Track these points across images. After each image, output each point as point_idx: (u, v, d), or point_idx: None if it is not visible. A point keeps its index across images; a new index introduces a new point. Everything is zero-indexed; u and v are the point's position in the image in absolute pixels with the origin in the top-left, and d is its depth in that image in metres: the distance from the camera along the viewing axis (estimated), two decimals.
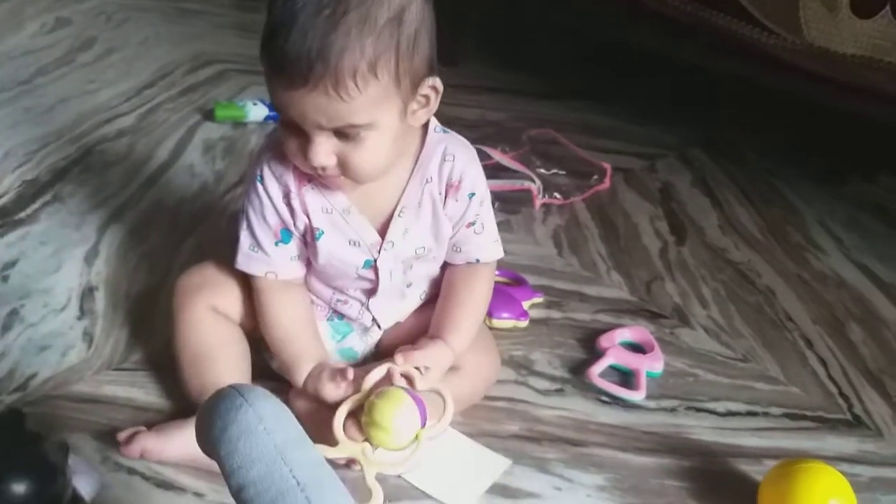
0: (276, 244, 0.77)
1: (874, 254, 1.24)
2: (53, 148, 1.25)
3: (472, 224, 0.80)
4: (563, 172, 1.36)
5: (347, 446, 0.68)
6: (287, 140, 0.70)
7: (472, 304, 0.83)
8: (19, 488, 0.53)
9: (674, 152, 1.55)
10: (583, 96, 1.73)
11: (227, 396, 0.41)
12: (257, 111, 1.41)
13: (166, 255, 1.04)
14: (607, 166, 1.39)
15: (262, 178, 0.75)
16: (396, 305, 0.84)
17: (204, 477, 0.72)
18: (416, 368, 0.74)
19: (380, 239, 0.77)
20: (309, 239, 0.77)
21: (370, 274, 0.79)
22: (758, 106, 1.75)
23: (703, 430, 0.85)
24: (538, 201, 1.28)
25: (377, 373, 0.73)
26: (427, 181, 0.77)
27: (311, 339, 0.78)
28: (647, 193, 1.38)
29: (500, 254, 0.84)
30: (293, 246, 0.78)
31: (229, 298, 0.81)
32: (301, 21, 0.62)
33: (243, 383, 0.43)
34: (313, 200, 0.75)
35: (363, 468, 0.67)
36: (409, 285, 0.83)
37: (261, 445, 0.39)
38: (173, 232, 1.09)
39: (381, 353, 0.85)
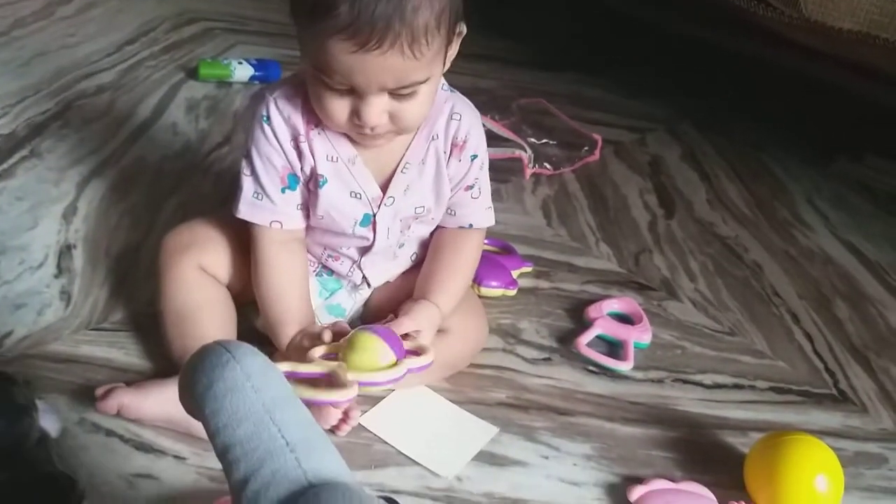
0: (283, 190, 0.74)
1: (860, 232, 1.25)
2: (31, 102, 1.21)
3: (471, 188, 0.80)
4: (554, 143, 1.34)
5: (321, 364, 0.66)
6: (329, 103, 0.67)
7: (459, 267, 0.82)
8: None
9: (663, 126, 1.55)
10: (574, 68, 1.72)
11: (212, 352, 0.40)
12: (243, 70, 1.38)
13: (148, 214, 1.01)
14: (598, 138, 1.37)
15: (268, 117, 0.72)
16: (388, 265, 0.82)
17: (184, 440, 0.70)
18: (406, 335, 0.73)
19: (381, 193, 0.76)
20: (312, 186, 0.75)
21: (368, 232, 0.78)
22: (748, 82, 1.75)
23: (689, 401, 0.85)
24: (528, 171, 1.26)
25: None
26: (433, 138, 0.76)
27: (302, 301, 0.76)
28: (636, 166, 1.38)
29: (492, 221, 0.84)
30: (299, 193, 0.75)
31: (218, 258, 0.78)
32: None
33: (230, 339, 0.41)
34: (320, 146, 0.73)
35: (340, 375, 0.65)
36: (401, 246, 0.81)
37: (248, 403, 0.37)
38: (155, 191, 1.06)
39: (369, 312, 0.84)
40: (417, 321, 0.74)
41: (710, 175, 1.38)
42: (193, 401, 0.39)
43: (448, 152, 0.77)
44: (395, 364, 0.67)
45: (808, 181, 1.40)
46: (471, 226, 0.82)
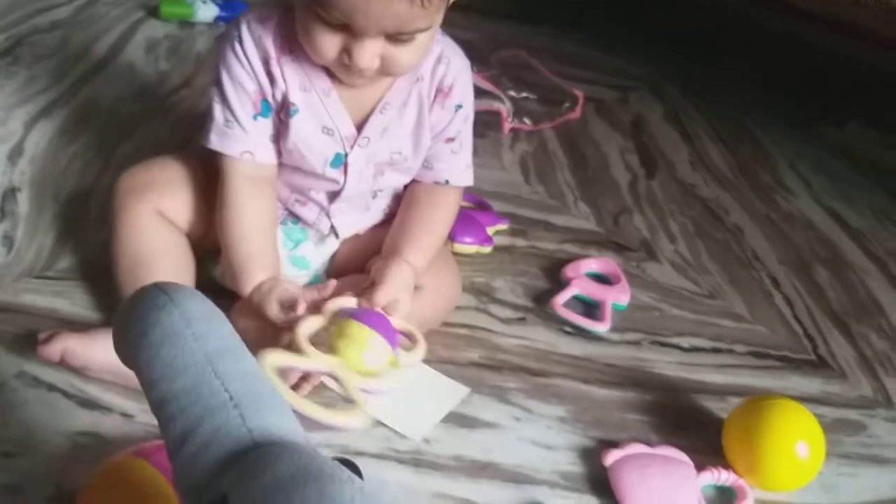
0: (255, 117, 0.70)
1: (842, 198, 1.23)
2: None
3: (452, 140, 0.76)
4: (534, 97, 1.30)
5: (320, 358, 0.62)
6: (319, 37, 0.64)
7: (434, 223, 0.78)
8: None
9: (646, 85, 1.51)
10: (556, 22, 1.66)
11: (149, 294, 0.35)
12: (206, 10, 1.30)
13: (100, 158, 0.95)
14: (580, 94, 1.33)
15: (240, 39, 0.68)
16: (358, 216, 0.78)
17: (133, 396, 0.65)
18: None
19: (356, 133, 0.72)
20: (283, 116, 0.70)
21: (338, 174, 0.73)
22: (735, 43, 1.71)
23: (666, 364, 0.83)
24: (507, 125, 1.22)
25: (344, 301, 0.68)
26: (418, 79, 0.72)
27: (269, 245, 0.72)
28: (618, 125, 1.34)
29: (471, 181, 0.81)
30: (271, 122, 0.71)
31: (177, 202, 0.73)
32: None
33: (169, 282, 0.36)
34: (292, 73, 0.69)
35: (342, 381, 0.62)
36: (374, 196, 0.77)
37: (187, 353, 0.33)
38: (109, 133, 1.00)
39: (336, 267, 0.79)
40: (395, 288, 0.70)
41: (692, 136, 1.35)
42: (127, 348, 0.34)
43: (432, 97, 0.73)
44: (393, 361, 0.65)
45: (791, 146, 1.38)
46: (447, 182, 0.78)
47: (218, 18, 1.31)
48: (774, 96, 1.52)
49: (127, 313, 0.35)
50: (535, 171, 1.15)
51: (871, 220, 1.18)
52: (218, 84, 0.70)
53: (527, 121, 1.25)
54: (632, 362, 0.82)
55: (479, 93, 1.23)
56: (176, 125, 1.05)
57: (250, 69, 0.69)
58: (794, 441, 0.66)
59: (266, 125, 0.70)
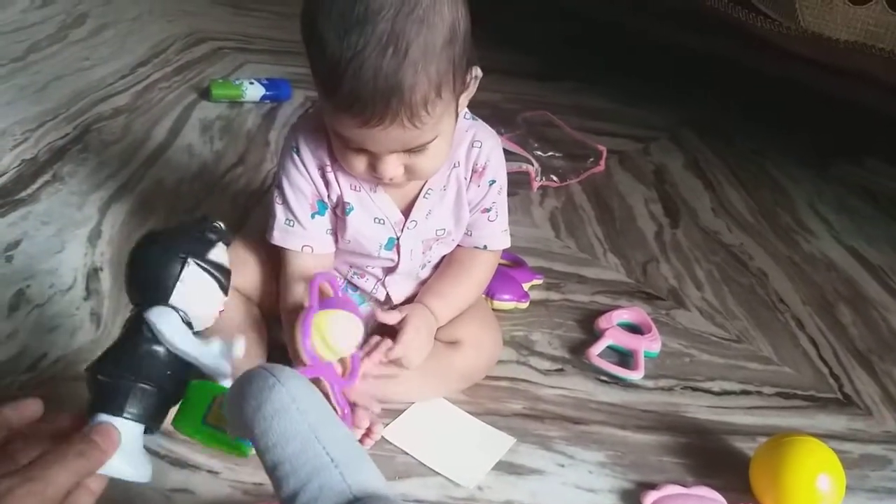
0: (313, 216, 0.78)
1: (862, 236, 1.28)
2: (51, 126, 1.24)
3: (488, 210, 0.83)
4: (560, 155, 1.37)
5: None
6: (350, 160, 0.72)
7: (464, 280, 0.85)
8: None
9: (665, 134, 1.58)
10: (575, 77, 1.75)
11: (258, 376, 0.43)
12: (254, 90, 1.41)
13: None
14: (603, 149, 1.40)
15: (297, 149, 0.77)
16: (411, 284, 0.86)
17: (217, 455, 0.73)
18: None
19: (403, 218, 0.80)
20: (339, 213, 0.79)
21: (392, 254, 0.81)
22: (747, 89, 1.78)
23: (698, 408, 0.88)
24: (535, 183, 1.29)
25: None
26: (455, 165, 0.79)
27: None
28: (641, 176, 1.41)
29: (507, 244, 0.87)
30: (328, 219, 0.79)
31: (249, 278, 0.82)
32: (368, 64, 0.62)
33: (273, 364, 0.44)
34: (343, 177, 0.77)
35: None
36: (423, 267, 0.85)
37: (295, 424, 0.40)
38: (174, 212, 1.09)
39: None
40: (404, 311, 0.79)
41: (713, 182, 1.41)
42: (242, 421, 0.42)
43: (468, 178, 0.80)
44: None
45: (809, 186, 1.43)
46: (485, 247, 0.85)
47: (264, 97, 1.41)
48: (788, 138, 1.58)
49: (241, 392, 0.43)
50: (565, 225, 1.22)
51: (891, 255, 1.23)
52: (279, 188, 0.79)
53: (554, 178, 1.32)
54: (666, 407, 0.87)
55: (508, 155, 1.30)
56: (234, 201, 1.14)
57: (308, 175, 0.77)
58: (815, 475, 0.71)
59: (323, 222, 0.79)
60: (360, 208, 0.78)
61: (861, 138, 1.59)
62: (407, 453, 0.77)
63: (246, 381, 0.43)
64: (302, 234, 0.78)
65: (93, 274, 0.95)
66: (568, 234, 1.19)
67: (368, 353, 0.77)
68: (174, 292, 0.55)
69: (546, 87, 1.71)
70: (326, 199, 0.78)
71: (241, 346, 0.56)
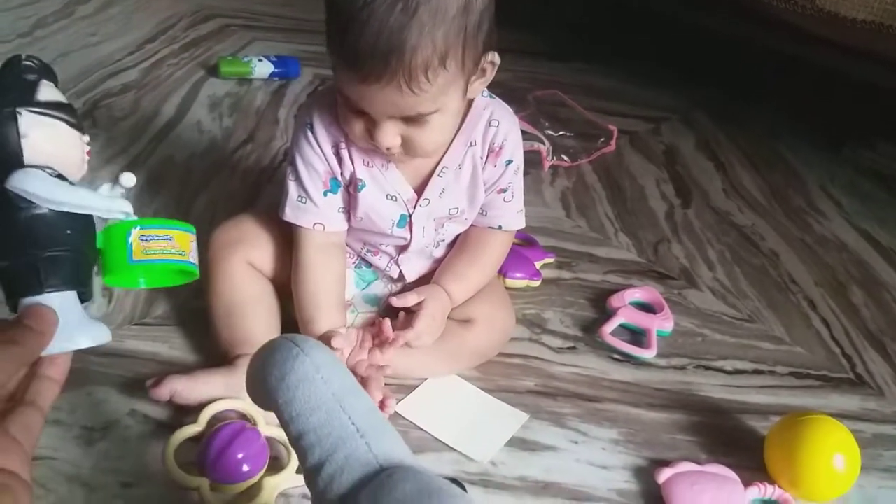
0: (325, 194, 0.78)
1: (874, 218, 1.27)
2: None
3: (504, 191, 0.82)
4: (571, 134, 1.36)
5: (187, 480, 0.67)
6: (350, 122, 0.71)
7: (479, 261, 0.84)
8: None
9: (677, 115, 1.57)
10: (585, 58, 1.74)
11: (282, 347, 0.42)
12: (262, 68, 1.40)
13: (180, 211, 1.04)
14: (614, 129, 1.40)
15: (311, 125, 0.76)
16: (424, 262, 0.86)
17: None
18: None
19: (416, 195, 0.79)
20: (352, 190, 0.78)
21: (405, 232, 0.80)
22: (759, 70, 1.76)
23: (711, 387, 0.88)
24: (547, 163, 1.28)
25: (217, 406, 0.72)
26: (471, 144, 0.78)
27: (333, 307, 0.79)
28: (652, 156, 1.40)
29: (522, 224, 0.86)
30: (340, 197, 0.79)
31: (264, 254, 0.82)
32: (374, 17, 0.61)
33: (296, 334, 0.44)
34: (357, 152, 0.77)
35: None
36: (437, 245, 0.84)
37: (319, 393, 0.40)
38: (185, 188, 1.09)
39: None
40: (421, 294, 0.78)
41: (724, 164, 1.40)
42: (266, 392, 0.42)
43: (484, 158, 0.79)
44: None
45: (821, 168, 1.43)
46: (500, 227, 0.84)
47: (273, 74, 1.40)
48: (801, 120, 1.57)
49: (263, 362, 0.43)
50: (576, 205, 1.21)
51: None
52: (292, 164, 0.78)
53: (565, 157, 1.31)
54: (678, 386, 0.87)
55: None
56: (244, 178, 1.13)
57: (321, 153, 0.76)
58: (831, 454, 0.71)
59: (336, 199, 0.78)
60: (373, 184, 0.78)
61: (875, 121, 1.57)
62: (420, 429, 0.77)
63: (269, 352, 0.43)
64: (314, 211, 0.78)
65: None
66: (579, 214, 1.19)
67: (379, 338, 0.77)
68: (23, 151, 0.48)
69: (556, 67, 1.69)
70: (339, 177, 0.78)
71: (129, 177, 0.51)
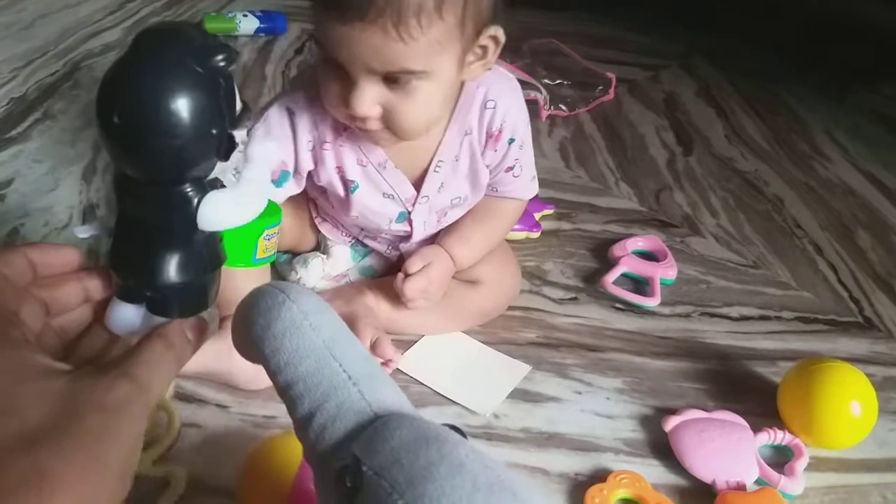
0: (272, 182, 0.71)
1: (879, 161, 1.24)
2: (39, 64, 1.20)
3: (511, 168, 0.76)
4: (568, 83, 1.33)
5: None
6: (326, 83, 0.63)
7: (490, 227, 0.80)
8: None
9: (676, 62, 1.53)
10: (582, 6, 1.69)
11: (267, 294, 0.40)
12: (248, 23, 1.36)
13: None
14: (612, 77, 1.36)
15: (291, 111, 0.69)
16: (425, 245, 0.81)
17: (224, 389, 0.71)
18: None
19: (415, 193, 0.74)
20: (343, 192, 0.73)
21: (404, 226, 0.77)
22: (758, 13, 1.71)
23: (717, 334, 0.86)
24: (544, 113, 1.25)
25: None
26: (466, 133, 0.71)
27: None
28: (651, 104, 1.37)
29: (535, 191, 0.81)
30: (278, 192, 0.71)
31: None
32: None
33: (282, 281, 0.41)
34: (349, 152, 0.70)
35: None
36: (439, 231, 0.81)
37: (308, 341, 0.38)
38: None
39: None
40: (425, 256, 0.74)
41: (725, 110, 1.37)
42: (251, 342, 0.39)
43: (483, 144, 0.72)
44: None
45: (824, 112, 1.39)
46: (513, 198, 0.80)
47: (259, 30, 1.36)
48: (801, 64, 1.53)
49: (248, 310, 0.40)
50: (575, 155, 1.18)
51: None
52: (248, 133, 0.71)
53: (562, 107, 1.28)
54: (683, 334, 0.85)
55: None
56: None
57: (292, 143, 0.68)
58: (849, 400, 0.69)
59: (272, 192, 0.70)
60: (367, 184, 0.72)
61: (876, 64, 1.53)
62: (421, 383, 0.75)
63: (253, 301, 0.40)
64: None
65: (89, 210, 0.92)
66: (578, 164, 1.16)
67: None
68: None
69: (551, 15, 1.65)
70: (302, 172, 0.71)
71: (241, 135, 0.42)
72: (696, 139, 1.27)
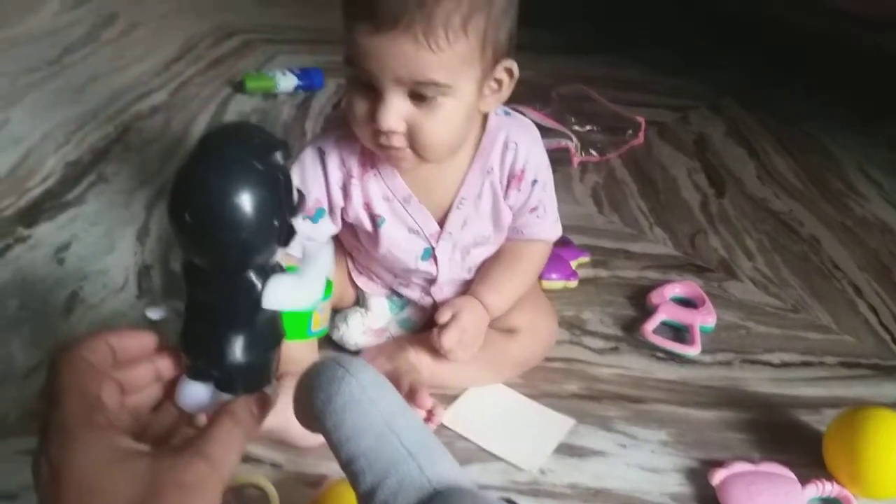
0: (304, 218, 0.75)
1: None
2: (91, 127, 1.25)
3: (535, 209, 0.79)
4: (598, 128, 1.35)
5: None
6: (354, 102, 0.67)
7: (519, 272, 0.82)
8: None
9: (704, 102, 1.55)
10: (607, 49, 1.72)
11: (327, 368, 0.42)
12: (287, 81, 1.41)
13: None
14: (641, 120, 1.38)
15: (324, 152, 0.74)
16: (458, 290, 0.84)
17: (279, 448, 0.73)
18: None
19: (439, 228, 0.77)
20: (371, 228, 0.76)
21: (430, 266, 0.79)
22: (785, 51, 1.73)
23: (759, 381, 0.86)
24: (576, 159, 1.27)
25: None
26: (488, 172, 0.75)
27: None
28: (682, 146, 1.38)
29: (560, 233, 0.84)
30: (314, 228, 0.75)
31: None
32: None
33: (341, 354, 0.44)
34: (375, 188, 0.74)
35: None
36: (469, 270, 0.83)
37: (367, 416, 0.40)
38: None
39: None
40: (454, 305, 0.76)
41: (757, 150, 1.38)
42: (313, 415, 0.42)
43: (505, 184, 0.76)
44: None
45: (856, 149, 1.40)
46: (538, 240, 0.82)
47: (298, 87, 1.41)
48: (831, 100, 1.54)
49: (310, 385, 0.43)
50: (608, 200, 1.20)
51: None
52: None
53: (593, 152, 1.30)
54: (725, 382, 0.86)
55: (546, 132, 1.30)
56: None
57: (323, 180, 0.73)
58: (894, 447, 0.69)
59: (307, 228, 0.75)
60: (394, 219, 0.76)
61: None
62: (466, 439, 0.77)
63: (314, 374, 0.43)
64: None
65: (144, 272, 0.96)
66: (611, 210, 1.17)
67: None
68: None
69: (577, 60, 1.68)
70: (332, 210, 0.75)
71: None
72: (728, 180, 1.27)
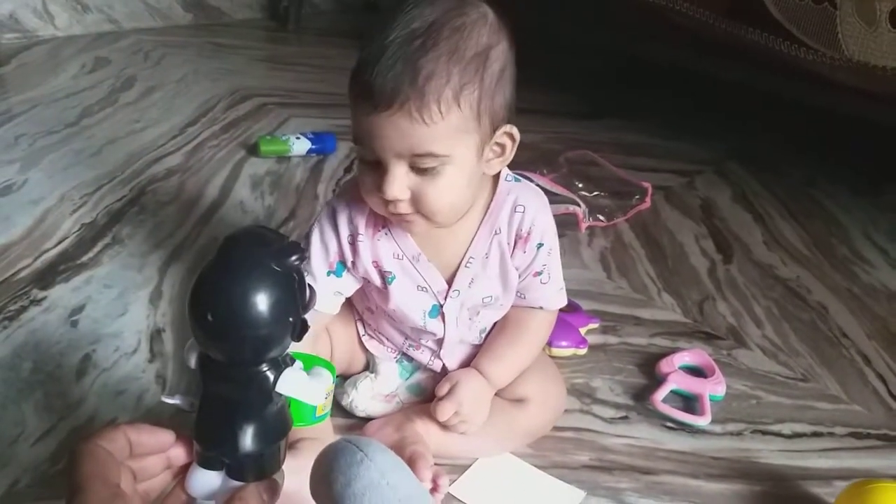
0: (328, 273, 0.78)
1: None
2: (107, 190, 1.28)
3: (539, 273, 0.80)
4: (605, 194, 1.37)
5: None
6: (363, 176, 0.71)
7: (522, 342, 0.83)
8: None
9: (710, 167, 1.57)
10: (614, 114, 1.76)
11: (346, 451, 0.43)
12: (300, 145, 1.44)
13: None
14: (648, 185, 1.40)
15: (335, 212, 0.77)
16: (468, 353, 0.84)
17: None
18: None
19: (447, 286, 0.78)
20: (381, 285, 0.78)
21: (437, 324, 0.80)
22: (791, 119, 1.76)
23: (770, 453, 0.86)
24: (583, 224, 1.29)
25: None
26: (496, 232, 0.77)
27: None
28: (688, 211, 1.40)
29: (564, 302, 0.84)
30: (341, 281, 0.78)
31: (317, 336, 0.82)
32: (392, 49, 0.64)
33: (359, 437, 0.44)
34: (386, 246, 0.77)
35: None
36: (481, 332, 0.84)
37: (386, 500, 0.40)
38: None
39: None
40: (451, 378, 0.78)
41: (763, 215, 1.40)
42: (331, 498, 0.42)
43: (512, 245, 0.78)
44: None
45: (862, 214, 1.41)
46: (541, 308, 0.83)
47: (311, 151, 1.44)
48: (836, 166, 1.57)
49: (328, 468, 0.43)
50: (616, 265, 1.21)
51: None
52: (307, 238, 0.78)
53: (601, 217, 1.32)
54: (736, 453, 0.85)
55: (554, 197, 1.32)
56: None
57: (337, 236, 0.77)
58: None
59: (336, 282, 0.78)
60: (403, 276, 0.77)
61: None
62: None
63: (332, 457, 0.43)
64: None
65: (156, 335, 0.97)
66: (620, 275, 1.18)
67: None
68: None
69: (585, 125, 1.72)
70: (349, 264, 0.78)
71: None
72: (735, 246, 1.29)
